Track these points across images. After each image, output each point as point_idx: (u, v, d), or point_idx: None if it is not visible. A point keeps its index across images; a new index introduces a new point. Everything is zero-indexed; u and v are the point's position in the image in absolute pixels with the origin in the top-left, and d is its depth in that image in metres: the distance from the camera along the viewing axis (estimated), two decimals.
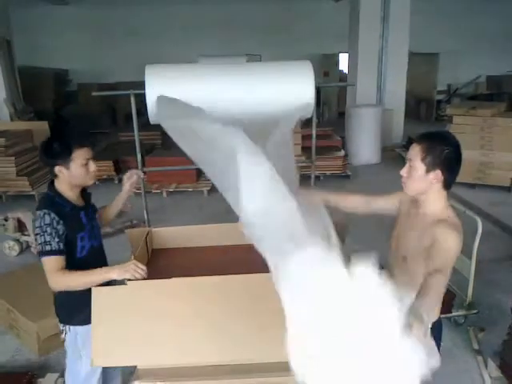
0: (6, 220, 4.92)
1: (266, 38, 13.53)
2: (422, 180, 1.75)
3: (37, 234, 1.93)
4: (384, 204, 2.10)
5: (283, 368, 1.61)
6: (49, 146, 1.99)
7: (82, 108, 12.66)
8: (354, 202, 2.19)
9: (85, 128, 11.59)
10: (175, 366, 1.77)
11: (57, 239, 1.91)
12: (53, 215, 1.92)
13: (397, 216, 2.02)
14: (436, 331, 1.91)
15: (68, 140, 1.99)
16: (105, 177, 7.51)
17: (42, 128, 7.73)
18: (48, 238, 1.90)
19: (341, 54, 13.64)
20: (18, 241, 4.92)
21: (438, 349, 1.87)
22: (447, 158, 1.73)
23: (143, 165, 3.83)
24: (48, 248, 1.90)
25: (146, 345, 1.77)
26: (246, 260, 1.81)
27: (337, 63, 14.27)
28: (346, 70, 11.67)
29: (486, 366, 3.01)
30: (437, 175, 1.73)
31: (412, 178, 1.78)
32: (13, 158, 6.74)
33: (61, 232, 1.93)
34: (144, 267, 1.89)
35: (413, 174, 1.77)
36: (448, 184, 1.78)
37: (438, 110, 13.25)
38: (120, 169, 7.72)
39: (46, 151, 2.00)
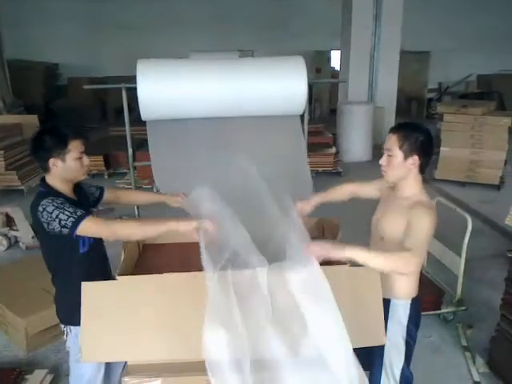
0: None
1: (259, 34, 13.49)
2: (400, 166, 1.92)
3: (51, 220, 1.83)
4: (373, 190, 2.27)
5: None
6: (43, 138, 1.92)
7: (72, 102, 12.52)
8: (343, 195, 2.39)
9: (75, 122, 11.54)
10: (166, 361, 1.76)
11: (73, 209, 1.84)
12: (56, 200, 1.85)
13: (378, 202, 2.19)
14: (412, 309, 2.04)
15: (64, 131, 1.94)
16: (95, 172, 7.45)
17: (31, 122, 7.64)
18: (68, 212, 1.83)
19: (333, 51, 13.66)
20: (6, 236, 4.87)
21: (415, 328, 2.05)
22: (422, 144, 1.90)
23: (134, 159, 3.80)
24: (76, 216, 1.82)
25: (136, 340, 1.75)
26: None
27: (329, 60, 14.29)
28: (337, 67, 11.68)
29: (474, 362, 3.04)
30: (414, 160, 1.91)
31: (391, 166, 1.94)
32: (2, 151, 6.66)
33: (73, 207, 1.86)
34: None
35: (392, 161, 1.93)
36: (423, 168, 1.95)
37: (428, 108, 13.31)
38: (110, 163, 7.66)
39: (40, 143, 1.92)
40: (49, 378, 2.85)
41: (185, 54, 6.29)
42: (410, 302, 2.04)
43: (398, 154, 1.91)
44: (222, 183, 2.17)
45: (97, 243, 2.09)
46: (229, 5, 13.56)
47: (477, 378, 2.93)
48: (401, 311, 2.03)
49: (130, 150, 3.69)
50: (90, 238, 2.00)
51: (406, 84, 12.00)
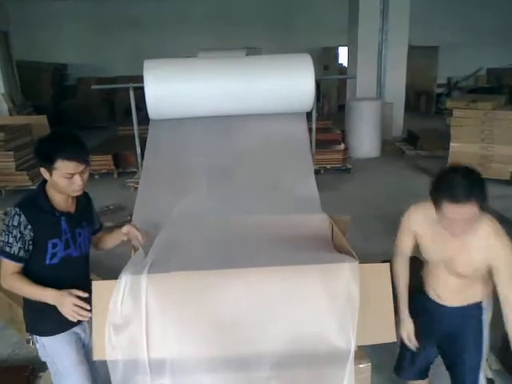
0: (5, 214, 4.91)
1: (266, 32, 13.47)
2: (477, 217, 1.77)
3: (3, 231, 1.84)
4: (410, 244, 2.09)
5: None
6: (40, 143, 1.88)
7: (81, 102, 12.62)
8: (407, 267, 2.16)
9: (84, 122, 11.62)
10: (179, 358, 1.77)
11: (19, 244, 1.82)
12: (23, 218, 1.82)
13: (421, 240, 2.02)
14: (484, 311, 2.03)
15: (52, 150, 1.82)
16: (104, 171, 7.51)
17: (40, 122, 7.71)
18: (11, 240, 1.82)
19: (340, 48, 13.59)
20: None
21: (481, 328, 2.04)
22: (485, 189, 1.75)
23: (142, 158, 3.82)
24: (7, 250, 1.83)
25: (151, 337, 1.76)
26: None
27: (336, 57, 14.22)
28: (345, 64, 11.63)
29: (487, 359, 3.01)
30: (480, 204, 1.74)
31: (471, 225, 1.78)
32: (12, 152, 6.72)
33: (27, 237, 1.83)
34: (87, 307, 1.79)
35: (471, 221, 1.76)
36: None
37: (437, 103, 13.21)
38: (119, 163, 7.70)
39: (36, 148, 1.89)
40: None
41: (192, 52, 6.31)
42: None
43: (475, 209, 1.72)
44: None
45: (74, 259, 1.99)
46: (235, 2, 13.56)
47: (490, 375, 2.90)
48: (490, 309, 2.07)
49: (139, 149, 3.71)
50: (64, 252, 1.94)
51: (415, 79, 11.93)
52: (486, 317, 2.05)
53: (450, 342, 2.08)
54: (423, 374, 2.24)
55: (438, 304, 2.05)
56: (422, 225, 1.98)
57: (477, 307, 2.03)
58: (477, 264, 1.86)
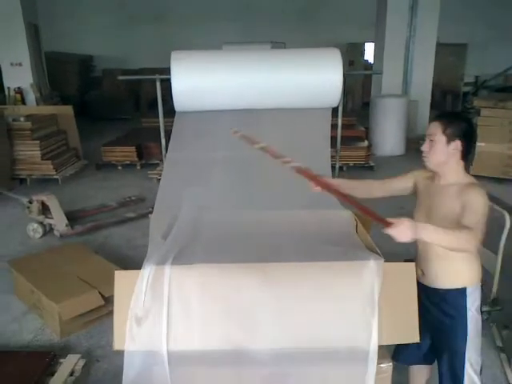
0: (30, 203, 4.99)
1: (291, 26, 13.38)
2: (443, 151, 1.94)
3: None
4: (399, 184, 2.23)
5: None
6: None
7: (106, 94, 12.77)
8: (368, 187, 2.31)
9: (109, 114, 11.76)
10: (198, 351, 1.77)
11: None
12: None
13: (417, 196, 2.16)
14: (469, 297, 2.00)
15: None
16: (127, 162, 7.58)
17: (66, 113, 7.82)
18: None
19: (366, 44, 13.43)
20: (41, 223, 4.99)
21: (465, 315, 2.00)
22: (465, 130, 1.94)
23: (166, 150, 3.83)
24: None
25: (169, 329, 1.76)
26: None
27: (362, 53, 14.07)
28: (371, 60, 11.49)
29: (510, 364, 2.95)
30: (456, 145, 1.93)
31: (434, 151, 1.96)
32: (38, 141, 6.82)
33: None
34: None
35: (434, 146, 1.95)
36: (465, 155, 1.98)
37: (464, 102, 12.94)
38: (142, 154, 7.76)
39: None
40: (81, 362, 2.90)
41: (216, 45, 6.30)
42: (480, 285, 2.06)
43: (441, 139, 1.93)
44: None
45: None
46: None
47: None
48: (477, 296, 2.04)
49: (163, 141, 3.72)
50: None
51: (442, 77, 11.70)
52: (471, 304, 2.02)
53: (438, 330, 2.08)
54: (418, 360, 2.26)
55: (425, 287, 2.05)
56: (420, 181, 2.15)
57: (461, 292, 2.02)
58: (453, 213, 1.89)
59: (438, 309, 2.05)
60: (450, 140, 1.92)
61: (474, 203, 1.85)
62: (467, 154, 1.99)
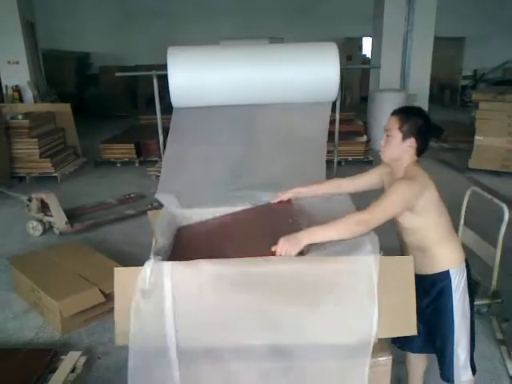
0: (29, 200, 4.99)
1: (288, 21, 13.35)
2: (398, 147, 2.01)
3: None
4: (365, 180, 2.34)
5: None
6: None
7: (104, 91, 12.73)
8: (336, 185, 2.40)
9: (106, 111, 11.74)
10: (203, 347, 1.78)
11: None
12: None
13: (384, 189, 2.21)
14: (453, 278, 2.04)
15: None
16: (126, 159, 7.58)
17: (64, 110, 7.81)
18: None
19: (364, 38, 13.40)
20: (41, 221, 4.99)
21: (450, 297, 2.03)
22: (421, 127, 2.00)
23: (165, 147, 3.83)
24: None
25: (175, 325, 1.76)
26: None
27: (360, 47, 14.05)
28: (368, 55, 11.47)
29: (510, 357, 2.96)
30: (412, 142, 1.99)
31: (389, 145, 2.03)
32: (36, 139, 6.81)
33: None
34: None
35: (390, 141, 2.02)
36: (420, 151, 2.04)
37: (462, 95, 12.95)
38: (141, 151, 7.75)
39: None
40: (82, 359, 2.91)
41: (214, 41, 6.28)
42: (464, 266, 2.08)
43: (397, 135, 2.00)
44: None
45: None
46: None
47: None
48: (461, 276, 2.06)
49: (161, 138, 3.72)
50: None
51: (440, 71, 11.69)
52: (456, 285, 2.05)
53: (428, 315, 2.09)
54: (412, 348, 2.28)
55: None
56: (384, 176, 2.22)
57: (445, 275, 2.04)
58: None
59: (425, 295, 2.06)
60: (405, 137, 1.99)
61: (393, 187, 1.91)
62: (423, 151, 2.05)
